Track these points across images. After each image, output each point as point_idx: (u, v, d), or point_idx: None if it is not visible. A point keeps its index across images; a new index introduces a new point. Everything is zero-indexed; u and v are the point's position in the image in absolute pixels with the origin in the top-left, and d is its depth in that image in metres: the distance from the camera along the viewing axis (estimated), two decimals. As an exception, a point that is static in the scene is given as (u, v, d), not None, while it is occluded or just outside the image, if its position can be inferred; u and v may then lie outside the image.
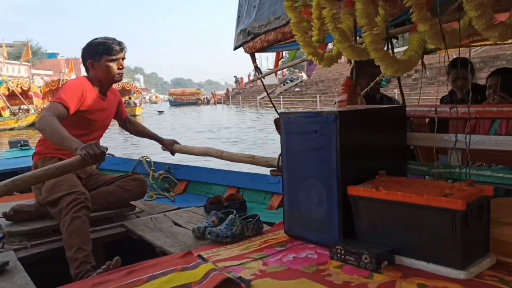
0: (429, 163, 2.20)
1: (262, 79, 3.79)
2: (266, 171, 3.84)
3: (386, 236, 1.66)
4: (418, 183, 1.75)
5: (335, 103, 3.10)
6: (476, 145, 1.97)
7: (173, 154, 3.38)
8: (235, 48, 3.25)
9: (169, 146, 3.33)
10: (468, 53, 3.29)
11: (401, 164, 2.16)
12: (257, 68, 3.58)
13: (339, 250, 1.66)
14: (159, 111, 40.88)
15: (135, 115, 29.28)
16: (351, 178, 1.80)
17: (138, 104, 34.23)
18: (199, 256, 1.79)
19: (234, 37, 3.24)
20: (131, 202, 3.00)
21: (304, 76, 38.86)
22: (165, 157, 4.25)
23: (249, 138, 16.46)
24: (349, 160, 1.82)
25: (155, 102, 73.56)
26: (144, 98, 50.23)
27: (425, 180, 1.98)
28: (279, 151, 2.10)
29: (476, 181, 1.89)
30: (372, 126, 1.98)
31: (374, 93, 3.18)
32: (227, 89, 63.80)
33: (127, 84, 31.72)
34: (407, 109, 2.25)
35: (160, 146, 3.39)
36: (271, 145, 12.88)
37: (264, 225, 2.34)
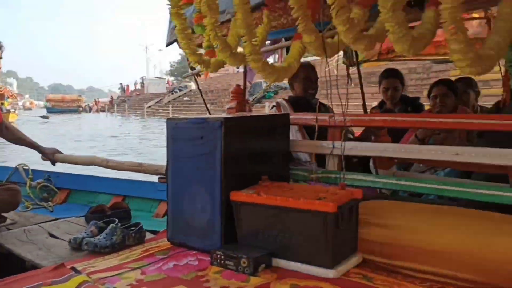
0: (309, 169, 2.31)
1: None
2: (155, 179, 3.74)
3: (265, 239, 1.71)
4: (298, 188, 1.83)
5: None
6: (350, 151, 2.11)
7: (54, 164, 3.15)
8: (169, 44, 3.01)
9: (50, 155, 3.09)
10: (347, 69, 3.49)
11: (284, 169, 2.23)
12: (192, 68, 3.42)
13: (219, 256, 1.67)
14: (43, 116, 38.06)
15: (8, 123, 26.49)
16: (235, 183, 1.83)
17: (12, 110, 31.02)
18: (73, 268, 1.68)
19: (168, 31, 2.98)
20: (2, 214, 2.74)
21: (193, 86, 38.68)
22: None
23: (138, 147, 15.84)
24: (233, 166, 1.85)
25: (29, 109, 67.76)
26: (17, 104, 45.82)
27: (304, 185, 2.06)
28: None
29: (351, 185, 2.03)
30: (257, 133, 2.03)
31: (310, 99, 3.22)
32: (111, 96, 61.44)
33: (0, 88, 28.57)
34: (291, 117, 2.33)
35: (40, 155, 3.14)
36: (158, 153, 12.47)
37: (148, 233, 2.27)
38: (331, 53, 2.03)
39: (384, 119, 2.16)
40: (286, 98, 3.15)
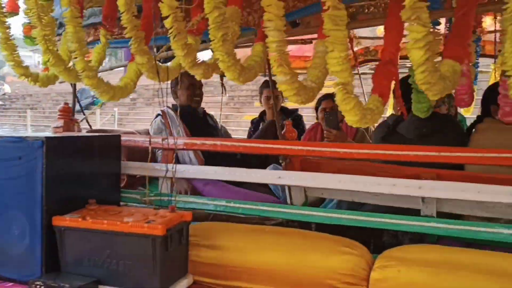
0: (142, 191, 2.28)
1: None
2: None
3: (91, 266, 1.63)
4: (126, 211, 1.78)
5: None
6: (182, 174, 2.15)
7: None
8: None
9: None
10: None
11: (114, 192, 2.16)
12: None
13: (38, 286, 1.55)
14: None
15: None
16: (59, 208, 1.72)
17: None
18: None
19: None
20: None
21: (8, 89, 34.87)
22: None
23: None
24: (57, 189, 1.74)
25: None
26: None
27: (133, 208, 2.03)
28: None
29: (183, 207, 2.06)
30: (85, 154, 1.94)
31: (196, 108, 3.04)
32: None
33: None
34: (122, 138, 2.28)
35: None
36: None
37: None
38: (164, 76, 2.06)
39: (214, 143, 2.25)
40: (170, 106, 2.99)
